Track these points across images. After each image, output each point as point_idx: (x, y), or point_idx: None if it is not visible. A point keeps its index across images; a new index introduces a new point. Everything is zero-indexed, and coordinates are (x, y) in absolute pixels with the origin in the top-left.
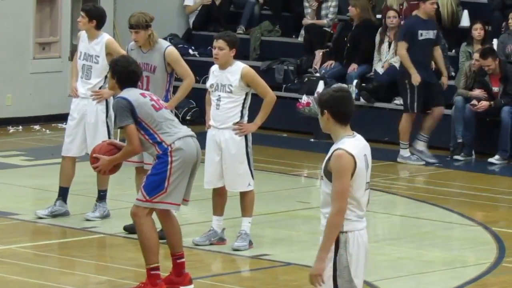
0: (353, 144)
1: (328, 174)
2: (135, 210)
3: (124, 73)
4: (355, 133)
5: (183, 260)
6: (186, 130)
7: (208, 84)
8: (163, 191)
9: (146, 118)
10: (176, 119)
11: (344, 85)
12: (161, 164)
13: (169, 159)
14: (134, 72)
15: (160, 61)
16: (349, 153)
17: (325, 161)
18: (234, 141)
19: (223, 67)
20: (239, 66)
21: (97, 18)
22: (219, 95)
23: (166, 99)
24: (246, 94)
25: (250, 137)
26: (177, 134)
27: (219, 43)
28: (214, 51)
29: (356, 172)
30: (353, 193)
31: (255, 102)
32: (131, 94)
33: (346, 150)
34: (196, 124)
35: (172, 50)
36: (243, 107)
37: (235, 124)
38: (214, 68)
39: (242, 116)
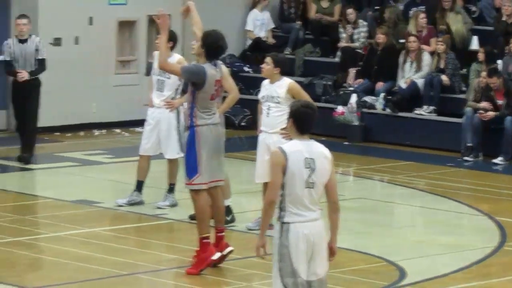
0: (294, 145)
1: None
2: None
3: (212, 46)
4: (311, 140)
5: (222, 234)
6: (214, 119)
7: (259, 96)
8: (197, 175)
9: (203, 97)
10: (215, 111)
11: (313, 103)
12: (189, 146)
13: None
14: (221, 47)
15: None
16: (282, 151)
17: None
18: (280, 143)
19: (272, 81)
20: (286, 81)
21: (173, 40)
22: (268, 105)
23: None
24: None
25: None
26: (207, 121)
27: (267, 59)
28: (262, 66)
29: (289, 169)
30: (290, 188)
31: None
32: (209, 73)
33: (281, 148)
34: (249, 129)
35: (223, 66)
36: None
37: (282, 129)
38: (265, 82)
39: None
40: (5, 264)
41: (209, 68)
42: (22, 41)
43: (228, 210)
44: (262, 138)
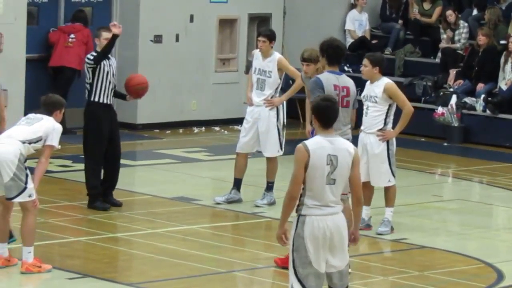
0: (316, 141)
1: None
2: None
3: (330, 49)
4: (336, 136)
5: None
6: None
7: (362, 96)
8: None
9: None
10: (343, 125)
11: (332, 96)
12: None
13: None
14: (338, 47)
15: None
16: (305, 148)
17: None
18: (378, 144)
19: (372, 81)
20: (384, 81)
21: (274, 39)
22: (367, 105)
23: None
24: (390, 105)
25: (392, 141)
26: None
27: (364, 61)
28: (361, 68)
29: (311, 165)
30: (309, 183)
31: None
32: (325, 80)
33: (304, 144)
34: None
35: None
36: (386, 115)
37: (379, 130)
38: (368, 82)
39: (385, 123)
40: (103, 260)
41: (324, 77)
42: None
43: None
44: (361, 137)
